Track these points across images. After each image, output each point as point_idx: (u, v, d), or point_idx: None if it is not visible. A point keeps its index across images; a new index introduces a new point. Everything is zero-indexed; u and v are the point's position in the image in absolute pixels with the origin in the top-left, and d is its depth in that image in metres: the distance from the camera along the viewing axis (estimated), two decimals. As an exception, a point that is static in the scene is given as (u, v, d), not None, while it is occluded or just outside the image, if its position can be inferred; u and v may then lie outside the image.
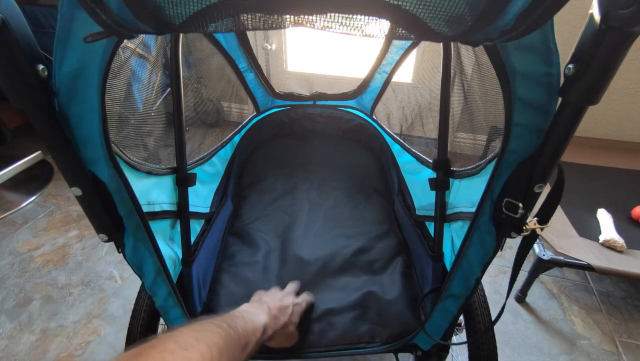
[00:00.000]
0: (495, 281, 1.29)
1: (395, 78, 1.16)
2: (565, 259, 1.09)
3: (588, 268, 1.07)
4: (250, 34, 1.80)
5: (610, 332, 1.15)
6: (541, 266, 1.12)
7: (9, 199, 1.61)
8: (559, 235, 1.20)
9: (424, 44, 1.10)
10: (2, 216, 1.52)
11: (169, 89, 0.73)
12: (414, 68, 1.77)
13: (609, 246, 1.16)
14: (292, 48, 1.96)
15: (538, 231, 0.45)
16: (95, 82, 0.39)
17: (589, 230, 1.24)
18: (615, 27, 0.28)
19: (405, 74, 1.81)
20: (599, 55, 0.31)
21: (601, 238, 1.18)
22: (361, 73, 1.22)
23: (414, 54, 1.07)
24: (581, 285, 1.30)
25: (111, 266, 1.29)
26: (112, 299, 1.16)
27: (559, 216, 1.31)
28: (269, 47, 1.88)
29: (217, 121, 2.06)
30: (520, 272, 1.26)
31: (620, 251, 1.15)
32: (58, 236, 1.42)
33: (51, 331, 1.08)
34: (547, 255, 1.10)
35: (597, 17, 0.29)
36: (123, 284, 1.22)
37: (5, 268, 1.28)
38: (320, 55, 1.96)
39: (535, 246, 1.15)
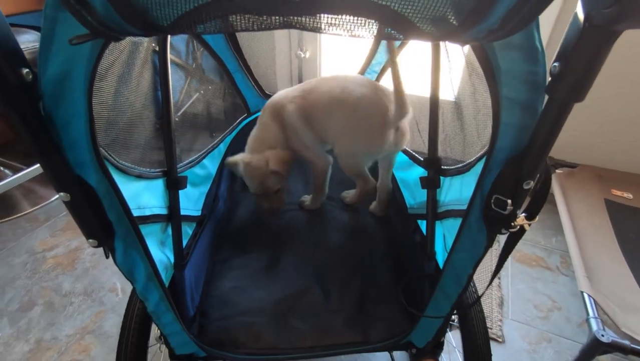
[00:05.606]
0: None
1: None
2: (633, 345, 0.76)
3: (666, 358, 0.75)
4: (284, 42, 1.76)
5: None
6: (598, 348, 0.79)
7: (40, 194, 1.62)
8: (625, 307, 0.84)
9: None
10: (30, 210, 1.54)
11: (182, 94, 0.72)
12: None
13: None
14: (326, 55, 1.88)
15: (526, 226, 0.46)
16: (81, 85, 0.39)
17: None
18: (598, 26, 0.29)
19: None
20: (583, 53, 0.31)
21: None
22: (354, 72, 1.22)
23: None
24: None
25: (115, 277, 1.27)
26: (109, 315, 1.15)
27: (625, 278, 0.91)
28: (303, 55, 1.83)
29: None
30: (571, 350, 0.93)
31: None
32: (73, 238, 1.43)
33: (45, 343, 1.07)
34: (608, 336, 0.78)
35: (580, 16, 0.30)
36: (123, 299, 1.20)
37: (19, 267, 1.30)
38: (355, 61, 1.87)
39: (593, 321, 0.83)
